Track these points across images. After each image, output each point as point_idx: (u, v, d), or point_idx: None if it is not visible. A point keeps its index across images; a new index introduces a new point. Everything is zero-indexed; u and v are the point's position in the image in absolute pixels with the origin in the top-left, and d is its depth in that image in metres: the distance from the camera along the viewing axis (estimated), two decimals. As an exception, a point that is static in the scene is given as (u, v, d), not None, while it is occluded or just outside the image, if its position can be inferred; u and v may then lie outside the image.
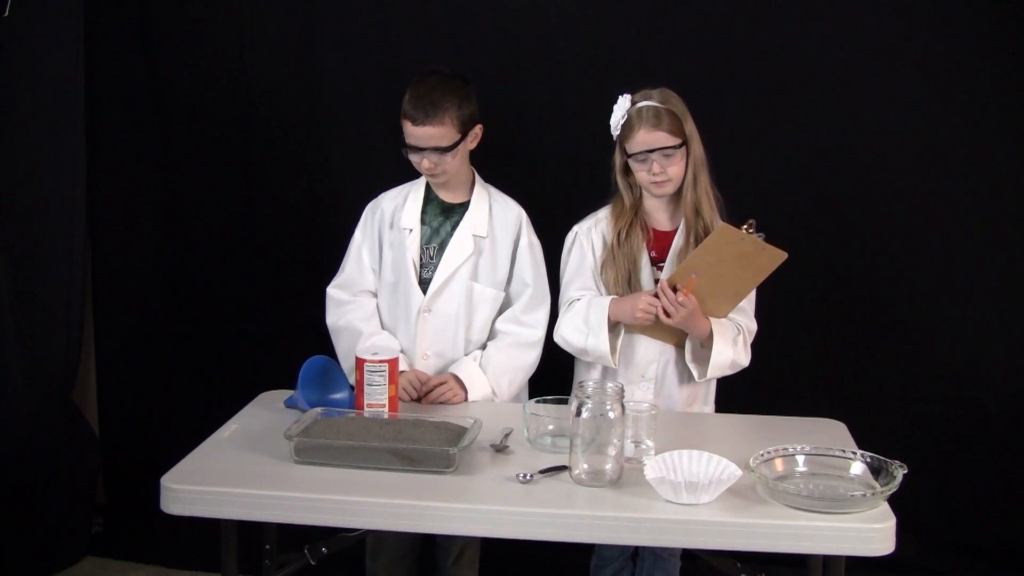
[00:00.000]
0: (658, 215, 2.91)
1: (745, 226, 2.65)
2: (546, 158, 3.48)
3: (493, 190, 2.99)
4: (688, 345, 2.85)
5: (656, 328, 2.81)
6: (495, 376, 2.87)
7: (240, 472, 2.28)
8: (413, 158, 2.82)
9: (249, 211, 3.65)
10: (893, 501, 2.17)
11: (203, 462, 2.34)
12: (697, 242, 2.80)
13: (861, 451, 2.35)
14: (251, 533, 2.48)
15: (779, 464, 2.33)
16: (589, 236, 2.92)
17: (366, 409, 2.54)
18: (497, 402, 2.87)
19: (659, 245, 2.89)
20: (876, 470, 2.28)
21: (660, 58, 3.37)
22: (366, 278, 2.96)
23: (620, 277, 2.85)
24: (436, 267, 2.89)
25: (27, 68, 3.36)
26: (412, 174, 2.95)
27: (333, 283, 2.98)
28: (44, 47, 3.41)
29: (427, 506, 2.15)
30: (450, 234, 2.90)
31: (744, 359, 2.85)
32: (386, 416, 2.52)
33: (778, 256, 2.67)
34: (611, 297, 2.82)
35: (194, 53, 3.58)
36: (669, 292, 2.72)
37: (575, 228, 2.96)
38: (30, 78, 3.37)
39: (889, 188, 3.43)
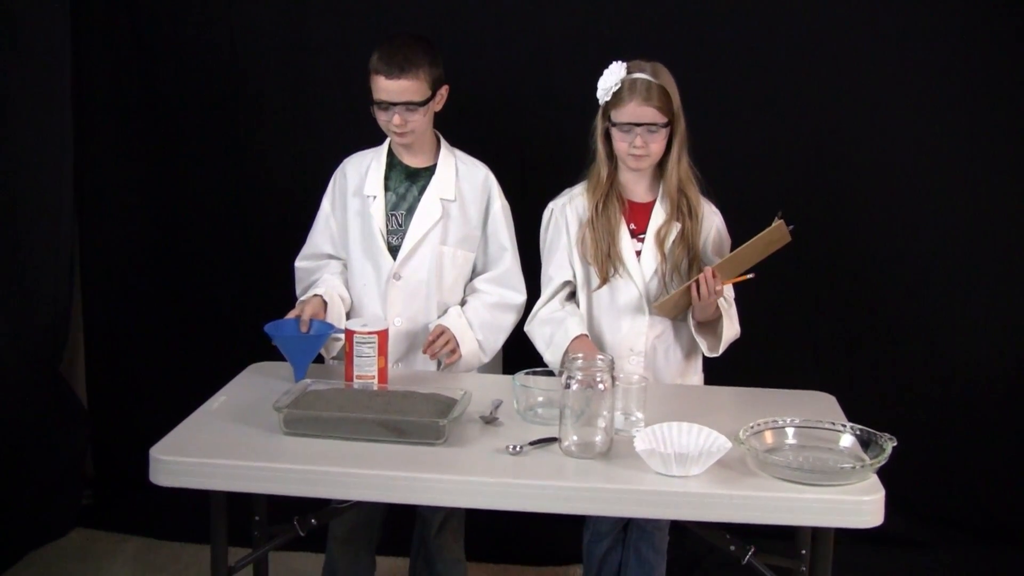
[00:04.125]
0: (634, 187, 2.90)
1: (779, 219, 2.67)
2: (534, 133, 3.47)
3: (459, 153, 2.97)
4: (691, 321, 2.85)
5: (664, 302, 2.81)
6: (482, 331, 2.88)
7: (229, 444, 2.28)
8: (382, 116, 2.81)
9: (239, 184, 3.65)
10: (882, 474, 2.18)
11: (192, 434, 2.33)
12: (683, 219, 2.83)
13: (851, 424, 2.36)
14: (240, 505, 2.48)
15: (769, 436, 2.33)
16: (564, 213, 2.92)
17: (355, 380, 2.54)
18: (483, 360, 2.89)
19: (636, 217, 2.89)
20: (866, 443, 2.29)
21: (652, 32, 3.37)
22: (333, 246, 2.96)
23: (599, 251, 2.85)
24: (405, 233, 2.87)
25: (15, 41, 3.34)
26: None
27: (300, 256, 2.98)
28: (32, 22, 3.38)
29: (417, 477, 2.16)
30: (417, 199, 2.89)
31: (739, 329, 2.87)
32: (375, 388, 2.52)
33: (786, 240, 2.70)
34: (580, 333, 2.80)
35: (184, 35, 3.58)
36: (711, 280, 2.71)
37: (550, 205, 2.95)
38: (18, 51, 3.35)
39: (881, 162, 3.44)
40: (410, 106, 2.77)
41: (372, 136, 2.93)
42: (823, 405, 2.61)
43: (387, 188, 2.91)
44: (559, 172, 2.99)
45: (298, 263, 2.97)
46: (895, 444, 2.22)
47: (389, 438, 2.29)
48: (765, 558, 2.37)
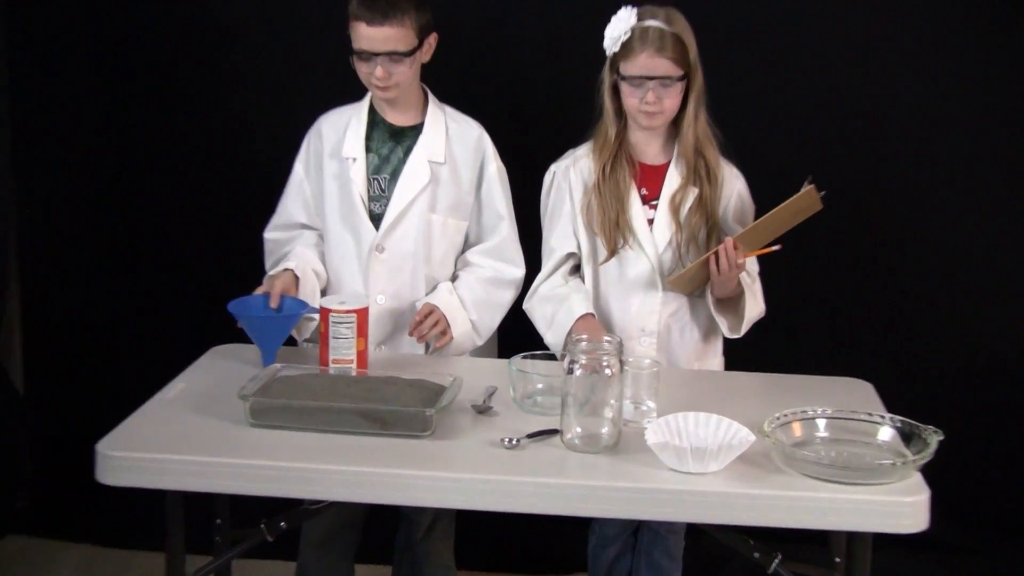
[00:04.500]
0: (646, 147, 2.91)
1: (809, 185, 2.67)
2: (533, 87, 3.47)
3: (449, 110, 2.97)
4: (710, 298, 2.86)
5: (680, 276, 2.82)
6: (475, 310, 2.90)
7: (188, 437, 2.29)
8: (363, 68, 2.81)
9: (200, 144, 3.63)
10: (926, 472, 2.20)
11: (145, 426, 2.34)
12: (700, 183, 2.84)
13: (890, 414, 2.38)
14: (200, 506, 2.51)
15: (797, 428, 2.35)
16: (567, 176, 2.93)
17: (331, 365, 2.56)
18: (478, 342, 2.91)
19: (648, 181, 2.90)
20: (908, 436, 2.31)
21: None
22: (307, 215, 2.97)
23: (607, 219, 2.85)
24: (389, 200, 2.88)
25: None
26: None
27: (269, 226, 2.98)
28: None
29: (400, 474, 2.17)
30: (402, 161, 2.90)
31: (763, 306, 2.89)
32: (354, 373, 2.54)
33: (817, 207, 2.72)
34: (586, 312, 2.81)
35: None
36: (731, 251, 2.72)
37: (552, 168, 2.96)
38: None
39: (924, 120, 3.43)
40: (394, 56, 2.77)
41: (353, 90, 2.93)
42: (859, 393, 2.63)
43: (368, 149, 2.91)
44: (561, 132, 3.00)
45: (267, 234, 2.98)
46: (941, 438, 2.24)
47: (369, 430, 2.31)
48: (794, 566, 2.38)
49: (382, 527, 3.13)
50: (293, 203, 2.96)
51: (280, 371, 2.51)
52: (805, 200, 2.69)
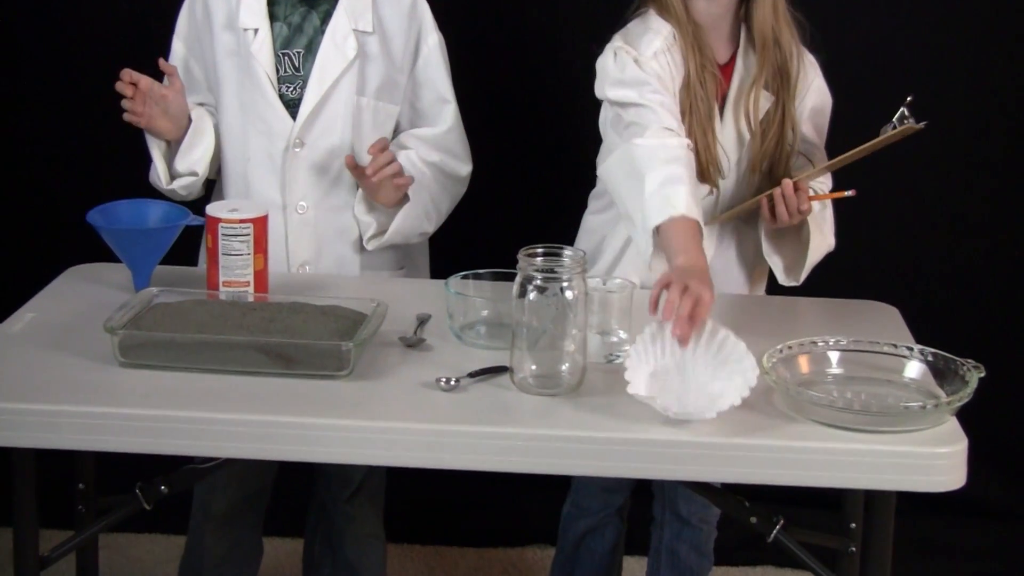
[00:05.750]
0: (714, 35, 2.80)
1: (907, 119, 2.59)
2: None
3: None
4: (763, 229, 2.82)
5: (726, 217, 2.81)
6: (429, 190, 2.91)
7: (39, 381, 2.27)
8: None
9: (54, 9, 3.59)
10: (963, 417, 2.21)
11: (-15, 367, 2.34)
12: (776, 85, 2.77)
13: (920, 345, 2.39)
14: (57, 469, 2.49)
15: (804, 363, 2.37)
16: (664, 59, 2.73)
17: (222, 289, 2.55)
18: (428, 228, 2.94)
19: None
20: (941, 372, 2.32)
21: None
22: (202, 97, 2.95)
23: (702, 136, 2.73)
24: (306, 81, 2.86)
25: None
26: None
27: None
28: None
29: (311, 424, 2.17)
30: (319, 31, 2.87)
31: (832, 240, 2.85)
32: (251, 299, 2.54)
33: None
34: (688, 215, 2.47)
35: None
36: (791, 195, 2.66)
37: (623, 46, 2.75)
38: None
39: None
40: None
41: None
42: (881, 319, 2.66)
43: (273, 17, 2.88)
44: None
45: None
46: (982, 375, 2.25)
47: (272, 369, 2.31)
48: (799, 534, 2.41)
49: (292, 491, 3.13)
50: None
51: (156, 297, 2.50)
52: (899, 136, 2.61)
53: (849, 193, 2.73)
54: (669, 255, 2.42)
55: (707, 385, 2.19)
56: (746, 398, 2.17)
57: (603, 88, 2.76)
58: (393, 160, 2.79)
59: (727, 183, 2.82)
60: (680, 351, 2.25)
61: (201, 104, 2.95)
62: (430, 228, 2.96)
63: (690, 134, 2.69)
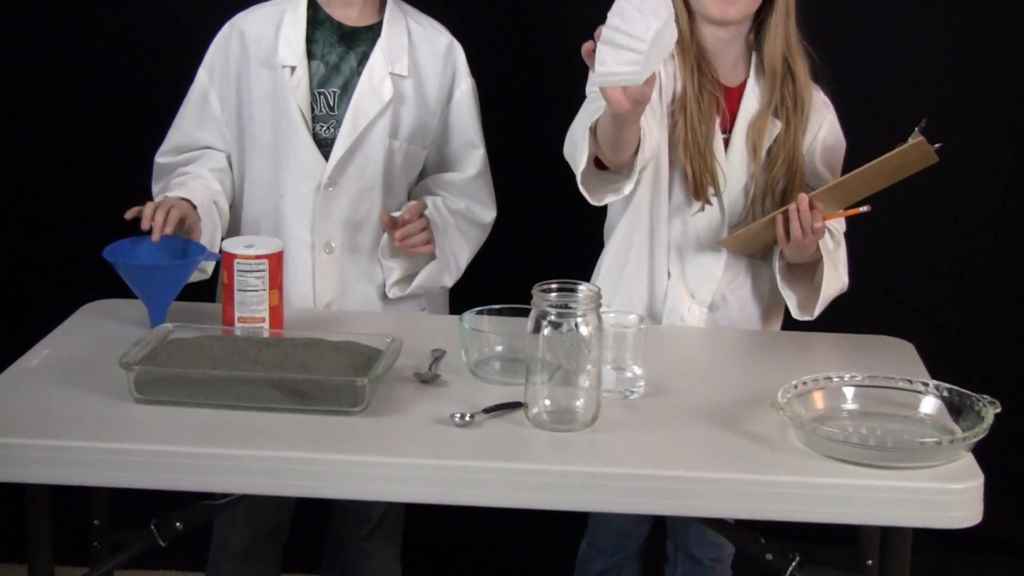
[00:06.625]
0: (721, 60, 2.81)
1: (918, 135, 2.59)
2: None
3: (411, 9, 2.97)
4: (777, 265, 2.80)
5: (737, 236, 2.79)
6: (451, 240, 2.92)
7: (55, 416, 2.27)
8: None
9: (72, 44, 3.62)
10: (979, 453, 2.20)
11: (1, 403, 2.32)
12: (786, 111, 2.77)
13: (935, 381, 2.38)
14: (73, 505, 2.49)
15: (819, 399, 2.36)
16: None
17: (237, 325, 2.55)
18: (447, 282, 2.95)
19: (725, 105, 2.82)
20: (956, 408, 2.31)
21: None
22: (212, 134, 2.94)
23: (695, 151, 2.73)
24: (340, 121, 2.87)
25: None
26: None
27: (160, 150, 2.96)
28: None
29: (326, 460, 2.16)
30: (356, 72, 2.88)
31: (846, 279, 2.83)
32: (267, 334, 2.54)
33: (930, 161, 2.64)
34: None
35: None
36: (805, 211, 2.63)
37: None
38: None
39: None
40: None
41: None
42: (897, 355, 2.65)
43: (311, 55, 2.89)
44: (555, 40, 2.98)
45: (158, 158, 2.96)
46: (998, 410, 2.24)
47: (286, 405, 2.30)
48: (815, 570, 2.40)
49: (309, 528, 3.13)
50: (193, 121, 2.93)
51: (172, 333, 2.50)
52: (912, 153, 2.60)
53: (864, 209, 2.71)
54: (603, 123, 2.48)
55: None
56: (752, 434, 2.17)
57: (590, 81, 2.73)
58: (425, 228, 2.82)
59: (736, 208, 2.82)
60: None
61: (207, 147, 2.94)
62: (450, 282, 2.97)
63: (686, 151, 2.72)
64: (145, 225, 2.63)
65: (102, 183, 3.55)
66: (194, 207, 2.76)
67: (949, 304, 3.59)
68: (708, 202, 2.77)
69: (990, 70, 3.53)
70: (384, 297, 2.93)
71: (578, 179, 2.57)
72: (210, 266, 2.83)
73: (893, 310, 3.50)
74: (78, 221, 3.57)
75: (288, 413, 2.29)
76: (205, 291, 2.92)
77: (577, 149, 2.57)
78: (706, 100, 2.75)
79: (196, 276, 2.81)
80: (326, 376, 2.32)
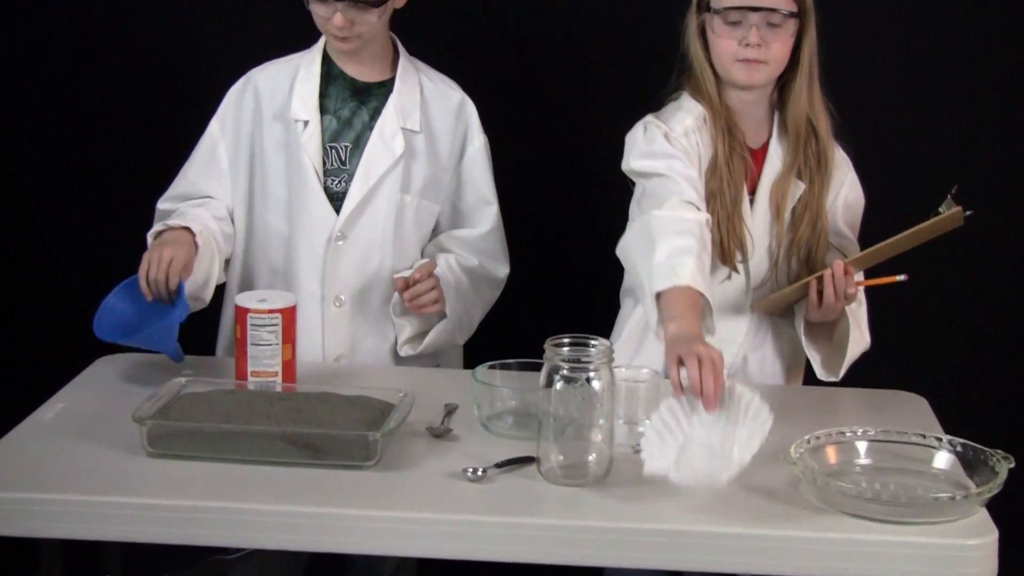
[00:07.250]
0: (746, 121, 2.80)
1: (953, 205, 2.59)
2: (531, 41, 3.48)
3: (423, 66, 2.99)
4: (801, 326, 2.80)
5: (769, 300, 2.78)
6: (462, 299, 2.92)
7: (69, 470, 2.27)
8: (319, 11, 2.80)
9: (85, 100, 3.64)
10: (993, 508, 2.20)
11: (15, 456, 2.33)
12: (809, 172, 2.77)
13: (948, 436, 2.38)
14: (85, 558, 2.48)
15: (832, 453, 2.35)
16: (693, 138, 2.73)
17: (250, 379, 2.55)
18: (458, 340, 2.96)
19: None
20: (970, 463, 2.31)
21: None
22: (217, 185, 2.94)
23: (726, 217, 2.72)
24: (351, 175, 2.88)
25: None
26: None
27: (165, 195, 2.96)
28: None
29: (338, 515, 2.16)
30: (368, 127, 2.90)
31: (868, 339, 2.82)
32: (279, 388, 2.53)
33: (957, 224, 2.64)
34: (693, 285, 2.44)
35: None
36: (840, 277, 2.63)
37: (657, 121, 2.76)
38: None
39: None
40: (360, 3, 2.77)
41: (301, 35, 2.91)
42: (910, 409, 2.64)
43: (323, 110, 2.90)
44: (561, 102, 2.99)
45: (160, 204, 2.96)
46: (1012, 465, 2.24)
47: (298, 459, 2.30)
48: (829, 625, 2.39)
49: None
50: (200, 171, 2.94)
51: (184, 386, 2.50)
52: (946, 222, 2.60)
53: (901, 278, 2.69)
54: (664, 322, 2.40)
55: (721, 447, 2.17)
56: (766, 490, 2.16)
57: (629, 160, 2.76)
58: (435, 287, 2.82)
59: (760, 270, 2.81)
60: (690, 421, 2.23)
61: (209, 197, 2.94)
62: (461, 340, 2.98)
63: (715, 216, 2.69)
64: (148, 297, 2.66)
65: (117, 238, 3.54)
66: (193, 234, 2.77)
67: (962, 358, 3.58)
68: (735, 269, 2.77)
69: (1007, 128, 3.53)
70: (396, 354, 2.93)
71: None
72: (208, 293, 2.84)
73: (906, 365, 3.48)
74: (91, 276, 3.56)
75: (300, 467, 2.29)
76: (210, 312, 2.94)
77: (644, 295, 2.52)
78: (736, 163, 2.75)
79: (194, 306, 2.81)
80: (338, 430, 2.32)
